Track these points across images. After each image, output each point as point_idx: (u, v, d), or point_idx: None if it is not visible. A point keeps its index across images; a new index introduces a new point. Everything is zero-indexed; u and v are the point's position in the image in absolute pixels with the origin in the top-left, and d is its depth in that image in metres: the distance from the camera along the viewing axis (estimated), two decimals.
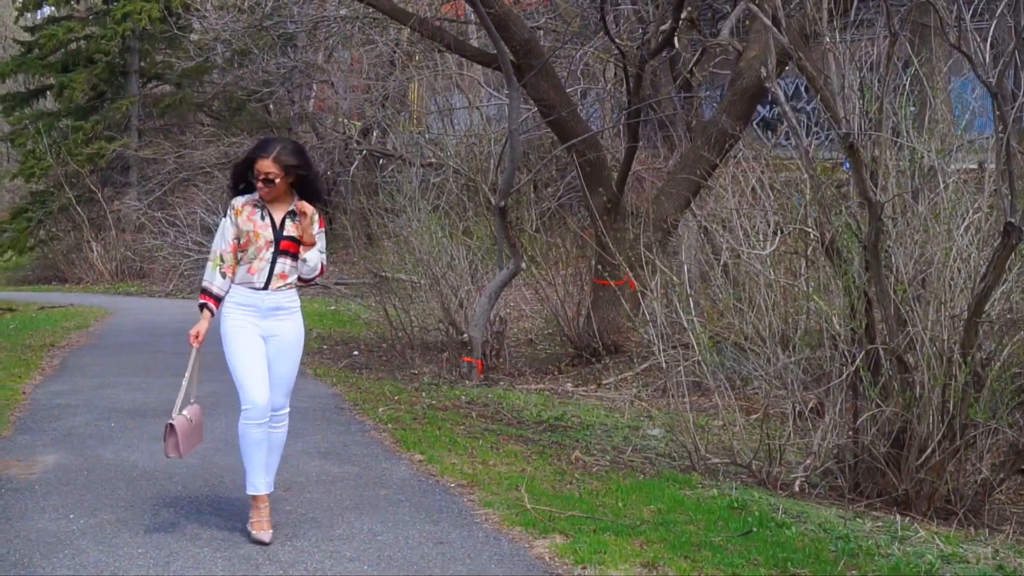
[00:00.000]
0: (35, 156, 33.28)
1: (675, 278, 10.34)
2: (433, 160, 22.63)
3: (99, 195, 32.60)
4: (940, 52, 10.06)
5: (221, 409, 9.76)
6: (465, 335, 13.84)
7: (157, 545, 6.53)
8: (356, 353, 15.90)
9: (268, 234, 6.62)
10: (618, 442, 10.01)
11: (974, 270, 8.16)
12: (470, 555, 6.46)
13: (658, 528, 7.00)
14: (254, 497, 6.76)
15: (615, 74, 21.93)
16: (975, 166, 9.98)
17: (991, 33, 7.85)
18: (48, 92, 35.41)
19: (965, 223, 8.39)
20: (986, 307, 7.90)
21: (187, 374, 6.79)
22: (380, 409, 10.92)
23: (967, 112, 9.82)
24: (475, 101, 24.69)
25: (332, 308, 21.85)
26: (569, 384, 13.61)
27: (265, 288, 6.64)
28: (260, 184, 6.58)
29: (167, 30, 28.39)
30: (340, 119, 30.95)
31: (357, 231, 22.25)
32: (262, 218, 6.65)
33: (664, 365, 9.97)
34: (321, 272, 6.85)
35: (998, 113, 7.65)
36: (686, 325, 9.44)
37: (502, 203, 13.90)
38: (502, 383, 13.49)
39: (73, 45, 33.80)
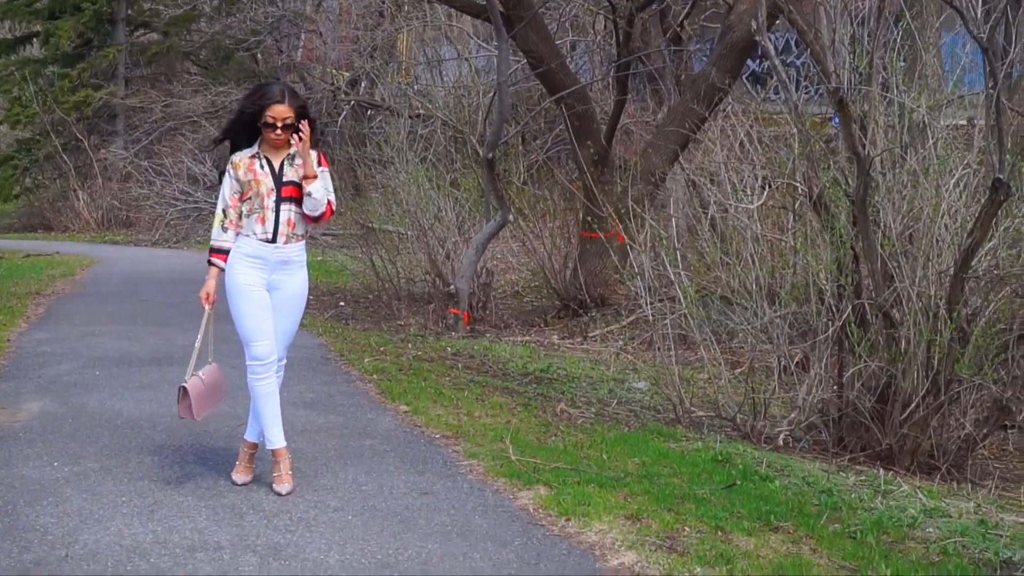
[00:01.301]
0: (21, 103, 33.05)
1: (662, 231, 10.33)
2: (421, 111, 22.55)
3: (85, 143, 32.41)
4: (931, 7, 10.01)
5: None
6: (452, 287, 13.83)
7: (141, 493, 6.53)
8: (342, 304, 15.89)
9: (269, 182, 6.56)
10: (603, 395, 10.03)
11: (961, 226, 8.17)
12: (454, 506, 6.47)
13: (642, 480, 7.01)
14: (274, 452, 6.74)
15: (604, 26, 21.85)
16: (964, 122, 9.97)
17: None
18: (35, 39, 35.13)
19: (954, 179, 8.38)
20: (973, 263, 7.91)
21: (200, 335, 6.73)
22: (366, 360, 10.92)
23: (957, 68, 9.79)
24: (464, 52, 24.55)
25: (319, 259, 21.81)
26: (555, 336, 13.62)
27: (274, 241, 6.58)
28: (278, 132, 6.49)
29: None
30: (328, 69, 30.76)
31: (344, 182, 22.18)
32: (261, 167, 6.58)
33: (650, 318, 9.97)
34: (330, 210, 6.71)
35: (988, 69, 7.62)
36: (673, 278, 9.44)
37: (490, 155, 13.86)
38: (488, 335, 13.50)
39: None
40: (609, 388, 10.37)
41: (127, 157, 31.05)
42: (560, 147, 21.62)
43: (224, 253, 6.65)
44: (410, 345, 12.19)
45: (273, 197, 6.56)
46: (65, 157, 32.21)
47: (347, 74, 29.75)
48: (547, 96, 16.42)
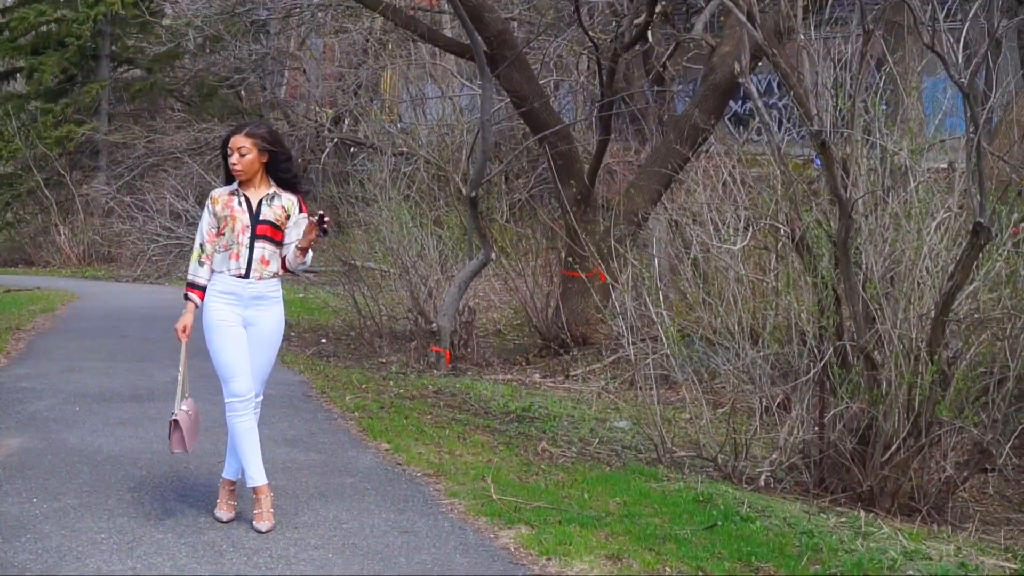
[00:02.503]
0: (3, 138, 33.00)
1: (645, 271, 10.36)
2: (405, 149, 22.60)
3: (67, 179, 32.37)
4: (913, 51, 10.09)
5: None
6: (434, 324, 13.83)
7: (120, 530, 6.50)
8: (324, 341, 15.88)
9: (245, 219, 6.60)
10: (585, 434, 10.02)
11: (943, 269, 8.20)
12: (435, 544, 6.45)
13: (623, 520, 7.00)
14: (255, 489, 6.72)
15: (588, 66, 21.95)
16: (945, 166, 10.03)
17: (964, 34, 7.88)
18: (18, 74, 35.15)
19: (935, 222, 8.42)
20: (953, 306, 7.95)
21: (181, 368, 6.74)
22: (347, 397, 10.90)
23: (939, 112, 9.85)
24: (448, 91, 24.65)
25: (301, 296, 21.79)
26: (537, 375, 13.61)
27: (247, 276, 6.61)
28: (236, 160, 6.55)
29: (139, 15, 28.21)
30: (312, 107, 30.85)
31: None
32: (239, 203, 6.63)
33: (632, 358, 9.98)
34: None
35: (969, 113, 7.68)
36: (655, 318, 9.46)
37: (473, 193, 13.89)
38: (470, 373, 13.49)
39: (44, 28, 33.52)
40: (591, 427, 10.36)
41: (109, 193, 31.03)
42: (543, 186, 21.65)
43: (201, 289, 6.68)
44: (391, 383, 12.18)
45: (248, 234, 6.59)
46: (47, 192, 32.16)
47: (331, 111, 29.83)
48: (530, 135, 16.47)
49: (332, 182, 22.98)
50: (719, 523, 7.03)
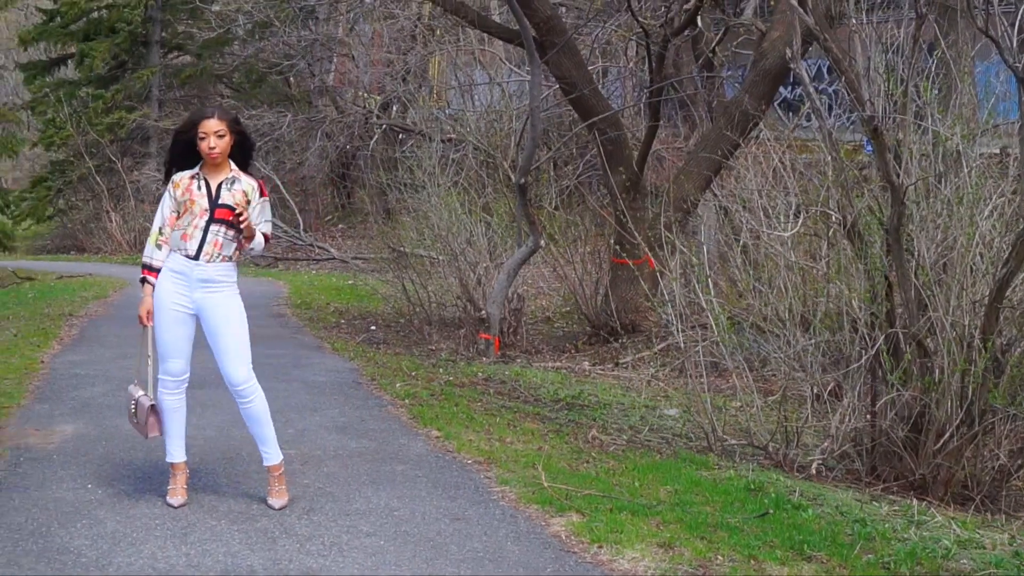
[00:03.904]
0: (55, 125, 33.32)
1: (694, 258, 10.31)
2: (453, 136, 22.60)
3: (118, 165, 32.64)
4: (966, 35, 9.99)
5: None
6: (483, 312, 13.85)
7: (174, 516, 6.55)
8: (373, 328, 15.92)
9: (204, 202, 6.62)
10: (635, 422, 10.01)
11: (996, 255, 8.13)
12: (487, 532, 6.47)
13: (674, 508, 6.99)
14: (172, 464, 6.89)
15: (637, 52, 21.90)
16: (998, 151, 9.94)
17: (1019, 17, 7.80)
18: (69, 61, 35.44)
19: (988, 208, 8.35)
20: (1007, 293, 7.87)
21: (149, 352, 6.82)
22: (397, 384, 10.93)
23: (992, 97, 9.76)
24: (496, 77, 24.62)
25: (350, 283, 21.88)
26: (586, 363, 13.61)
27: (196, 258, 6.63)
28: (211, 144, 6.57)
29: (189, 1, 28.37)
30: (360, 93, 30.91)
31: (375, 205, 22.26)
32: (199, 187, 6.65)
33: (682, 345, 9.95)
34: (267, 241, 6.95)
35: (1022, 98, 7.60)
36: (704, 305, 9.42)
37: (522, 180, 13.89)
38: (519, 360, 13.50)
39: (95, 14, 33.78)
40: (640, 415, 10.35)
41: (160, 179, 31.16)
42: (592, 173, 21.63)
43: (157, 271, 6.73)
44: (441, 370, 12.20)
45: (205, 217, 6.62)
46: (98, 179, 32.44)
47: (379, 98, 29.88)
48: (579, 122, 16.44)
49: (380, 169, 23.02)
50: (770, 511, 7.00)
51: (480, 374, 11.98)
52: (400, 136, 27.81)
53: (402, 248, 16.84)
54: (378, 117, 28.76)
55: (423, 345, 14.33)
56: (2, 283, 22.53)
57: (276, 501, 6.78)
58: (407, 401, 10.15)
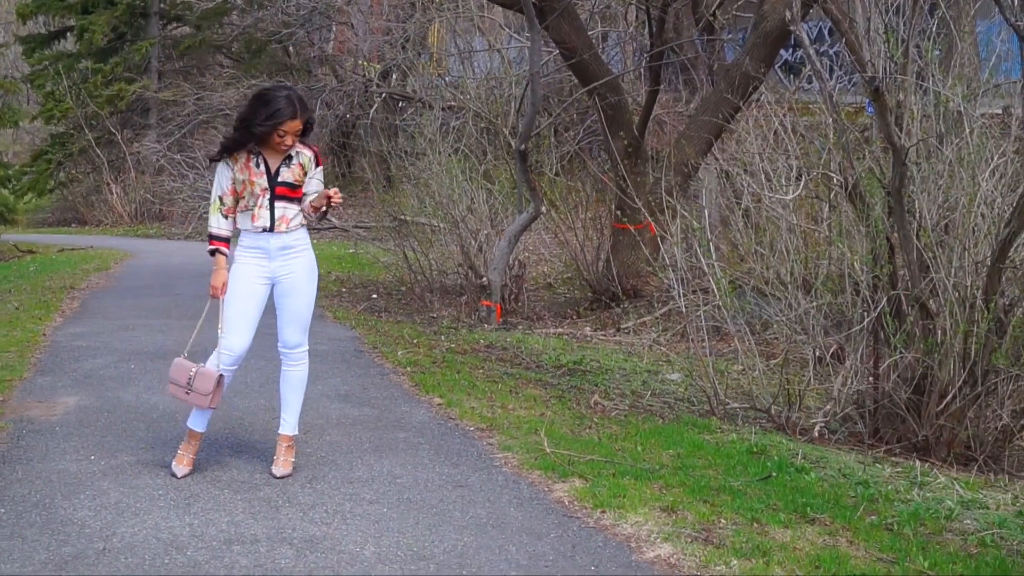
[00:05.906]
0: (55, 98, 33.27)
1: (695, 222, 10.29)
2: (453, 103, 22.52)
3: (119, 137, 32.60)
4: None
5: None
6: (484, 279, 13.84)
7: (177, 487, 6.55)
8: (375, 296, 15.91)
9: (263, 182, 6.58)
10: (637, 387, 10.01)
11: (998, 216, 8.11)
12: (489, 498, 6.47)
13: (677, 472, 6.99)
14: (191, 432, 6.87)
15: (637, 17, 21.81)
16: (1000, 111, 9.90)
17: None
18: (68, 33, 35.34)
19: (990, 168, 8.32)
20: (1010, 253, 7.85)
21: (221, 325, 6.76)
22: (399, 352, 10.93)
23: (993, 56, 9.71)
24: (496, 43, 24.51)
25: (351, 251, 21.85)
26: (588, 328, 13.60)
27: (271, 231, 6.62)
28: (290, 141, 6.52)
29: None
30: (360, 61, 30.80)
31: (376, 174, 22.20)
32: (257, 166, 6.60)
33: (683, 310, 9.95)
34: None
35: None
36: (706, 269, 9.41)
37: (522, 147, 13.85)
38: (521, 327, 13.49)
39: None
40: (643, 380, 10.35)
41: (160, 151, 31.22)
42: (592, 138, 21.59)
43: (226, 241, 6.71)
44: (443, 337, 12.20)
45: (267, 196, 6.59)
46: (98, 151, 32.41)
47: (379, 66, 29.77)
48: (579, 87, 16.38)
49: (381, 137, 22.96)
50: (773, 474, 7.01)
51: (482, 341, 11.98)
52: (400, 104, 27.75)
53: (403, 216, 16.83)
54: (378, 85, 28.66)
55: (425, 313, 14.32)
56: (4, 256, 22.56)
57: (279, 470, 6.78)
58: (409, 369, 10.15)
